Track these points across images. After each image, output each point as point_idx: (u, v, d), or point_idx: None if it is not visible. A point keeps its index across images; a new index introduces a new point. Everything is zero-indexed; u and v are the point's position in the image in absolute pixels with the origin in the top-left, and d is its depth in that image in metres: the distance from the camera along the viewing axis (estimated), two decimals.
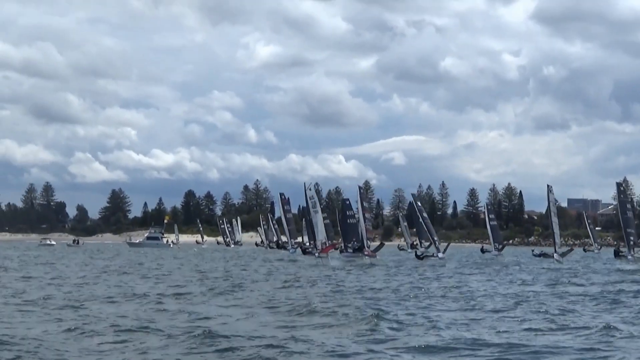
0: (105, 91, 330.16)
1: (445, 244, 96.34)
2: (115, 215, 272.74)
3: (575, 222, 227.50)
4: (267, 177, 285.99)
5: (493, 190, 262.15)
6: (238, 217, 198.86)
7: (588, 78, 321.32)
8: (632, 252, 77.41)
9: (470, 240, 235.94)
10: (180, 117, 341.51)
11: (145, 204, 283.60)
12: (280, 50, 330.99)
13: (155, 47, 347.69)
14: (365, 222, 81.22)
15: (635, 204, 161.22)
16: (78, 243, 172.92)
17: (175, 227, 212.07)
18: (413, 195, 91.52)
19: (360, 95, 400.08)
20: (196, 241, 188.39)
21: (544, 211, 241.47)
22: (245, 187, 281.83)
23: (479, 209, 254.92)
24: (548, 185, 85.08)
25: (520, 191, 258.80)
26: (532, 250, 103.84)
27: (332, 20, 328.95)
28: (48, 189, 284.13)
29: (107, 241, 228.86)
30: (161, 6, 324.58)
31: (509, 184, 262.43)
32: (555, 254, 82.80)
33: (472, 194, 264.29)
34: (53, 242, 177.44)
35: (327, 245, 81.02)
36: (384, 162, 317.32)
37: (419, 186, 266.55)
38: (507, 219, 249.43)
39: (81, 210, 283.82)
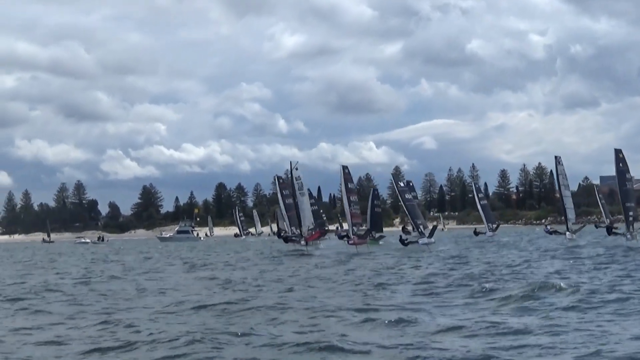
0: (134, 88, 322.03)
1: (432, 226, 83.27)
2: (148, 211, 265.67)
3: (607, 198, 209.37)
4: (299, 167, 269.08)
5: (524, 170, 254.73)
6: (254, 210, 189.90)
7: (616, 55, 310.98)
8: (631, 230, 64.24)
9: (503, 221, 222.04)
10: (210, 110, 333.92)
11: (177, 198, 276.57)
12: (306, 39, 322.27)
13: (182, 41, 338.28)
14: (350, 206, 69.04)
15: None
16: (103, 240, 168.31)
17: (210, 219, 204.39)
18: (393, 175, 77.56)
19: (388, 81, 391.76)
20: (235, 234, 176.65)
21: (576, 189, 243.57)
22: (277, 178, 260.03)
23: (511, 190, 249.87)
24: (556, 157, 73.88)
25: (551, 170, 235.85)
26: (545, 226, 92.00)
27: (357, 7, 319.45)
28: (79, 187, 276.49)
29: (140, 237, 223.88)
30: (185, 0, 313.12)
31: (539, 163, 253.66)
32: (567, 232, 73.19)
33: (503, 175, 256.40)
34: (88, 240, 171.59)
35: (314, 232, 68.89)
36: (414, 147, 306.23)
37: (449, 169, 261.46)
38: (539, 198, 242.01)
39: (113, 207, 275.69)
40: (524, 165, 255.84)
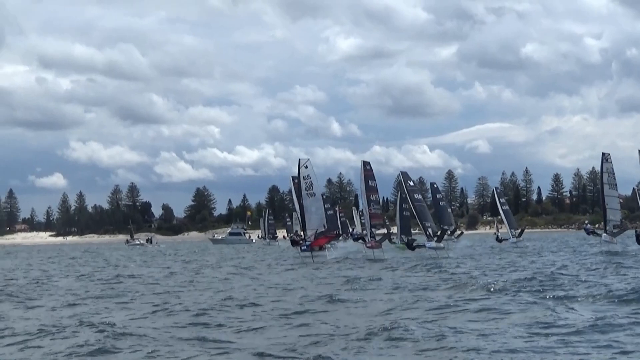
0: (189, 90, 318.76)
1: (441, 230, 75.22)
2: (201, 214, 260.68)
3: None
4: (352, 170, 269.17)
5: (577, 174, 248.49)
6: (293, 212, 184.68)
7: None
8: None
9: (556, 225, 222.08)
10: (264, 113, 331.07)
11: (230, 201, 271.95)
12: (360, 42, 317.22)
13: (236, 44, 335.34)
14: (370, 205, 61.28)
15: None
16: (151, 242, 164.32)
17: (262, 222, 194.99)
18: (402, 173, 68.78)
19: (442, 85, 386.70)
20: (283, 236, 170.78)
21: (629, 194, 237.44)
22: (329, 181, 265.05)
23: (564, 194, 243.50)
24: (603, 154, 65.04)
25: None
26: (585, 224, 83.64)
27: (412, 11, 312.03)
28: (133, 189, 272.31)
29: (193, 239, 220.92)
30: (240, 3, 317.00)
31: (593, 167, 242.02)
32: (604, 234, 63.54)
33: (557, 179, 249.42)
34: (140, 242, 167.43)
35: (322, 236, 60.76)
36: (468, 151, 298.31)
37: (502, 173, 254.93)
38: (593, 203, 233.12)
39: (167, 209, 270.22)
40: (578, 170, 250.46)
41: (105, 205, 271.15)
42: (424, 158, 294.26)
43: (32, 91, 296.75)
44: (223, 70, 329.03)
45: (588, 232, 78.72)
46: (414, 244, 66.30)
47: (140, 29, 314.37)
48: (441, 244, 62.90)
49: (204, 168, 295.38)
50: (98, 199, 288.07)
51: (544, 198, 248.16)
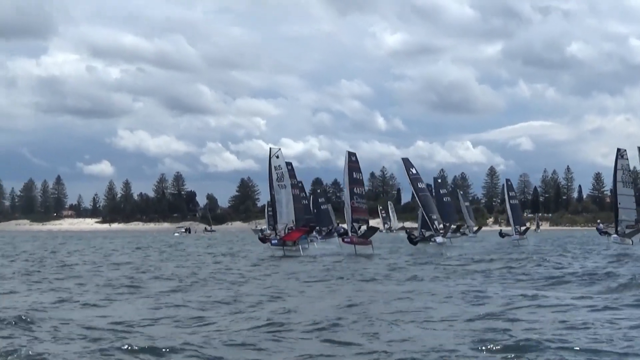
0: (236, 82, 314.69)
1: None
2: (245, 204, 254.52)
3: None
4: (395, 164, 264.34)
5: None
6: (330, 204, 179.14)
7: None
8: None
9: (595, 223, 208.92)
10: (309, 106, 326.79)
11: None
12: (407, 38, 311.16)
13: (283, 36, 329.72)
14: (353, 198, 55.34)
15: None
16: (189, 232, 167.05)
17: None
18: (404, 160, 63.23)
19: (487, 82, 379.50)
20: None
21: None
22: (372, 174, 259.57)
23: (605, 193, 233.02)
24: (618, 150, 59.26)
25: None
26: (598, 224, 76.86)
27: (459, 7, 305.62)
28: (179, 178, 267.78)
29: (236, 229, 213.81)
30: None
31: (634, 167, 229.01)
32: (614, 234, 58.62)
33: (598, 178, 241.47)
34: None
35: (294, 230, 54.74)
36: (511, 148, 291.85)
37: (544, 171, 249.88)
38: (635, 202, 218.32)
39: (211, 199, 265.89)
40: None
41: (151, 194, 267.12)
42: (467, 154, 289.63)
43: (82, 80, 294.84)
44: (270, 62, 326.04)
45: (600, 232, 73.83)
46: (416, 239, 61.09)
47: (188, 19, 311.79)
48: (447, 239, 58.00)
49: (249, 159, 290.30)
50: (144, 188, 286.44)
51: (584, 196, 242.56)
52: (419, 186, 58.40)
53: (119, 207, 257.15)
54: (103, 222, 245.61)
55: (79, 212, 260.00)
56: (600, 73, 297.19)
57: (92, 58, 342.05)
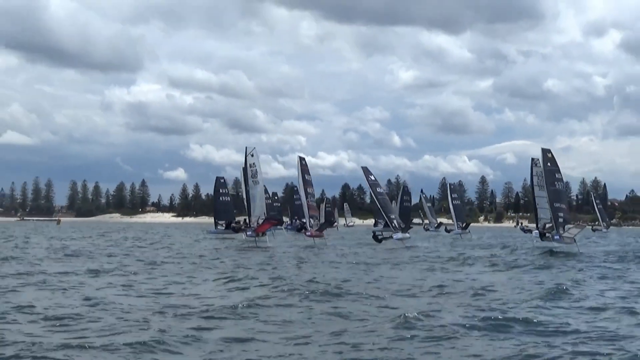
0: (284, 107, 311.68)
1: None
2: (289, 202, 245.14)
3: None
4: (408, 174, 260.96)
5: (583, 183, 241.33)
6: (345, 203, 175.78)
7: None
8: (561, 232, 43.96)
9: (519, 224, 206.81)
10: (341, 127, 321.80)
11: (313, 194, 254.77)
12: (418, 74, 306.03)
13: (321, 73, 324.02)
14: (307, 198, 48.73)
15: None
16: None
17: (336, 212, 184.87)
18: (363, 168, 55.16)
19: (480, 110, 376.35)
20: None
21: (623, 198, 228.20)
22: (388, 181, 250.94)
23: (572, 198, 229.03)
24: (533, 159, 53.25)
25: (605, 183, 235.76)
26: (520, 224, 68.94)
27: (458, 51, 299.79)
28: (237, 183, 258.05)
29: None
30: (325, 41, 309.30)
31: (595, 177, 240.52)
32: (534, 231, 50.73)
33: (567, 186, 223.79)
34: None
35: (264, 222, 47.98)
36: (498, 161, 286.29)
37: (524, 180, 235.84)
38: (595, 205, 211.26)
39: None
40: (583, 179, 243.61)
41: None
42: (464, 166, 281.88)
43: (163, 105, 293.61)
44: (310, 92, 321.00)
45: (524, 231, 64.54)
46: (380, 236, 54.20)
47: (247, 59, 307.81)
48: (408, 234, 51.34)
49: (293, 168, 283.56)
50: (210, 189, 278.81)
51: (592, 200, 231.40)
52: (378, 190, 52.46)
53: (190, 204, 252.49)
54: (177, 216, 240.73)
55: (159, 207, 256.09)
56: (570, 103, 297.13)
57: (170, 88, 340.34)
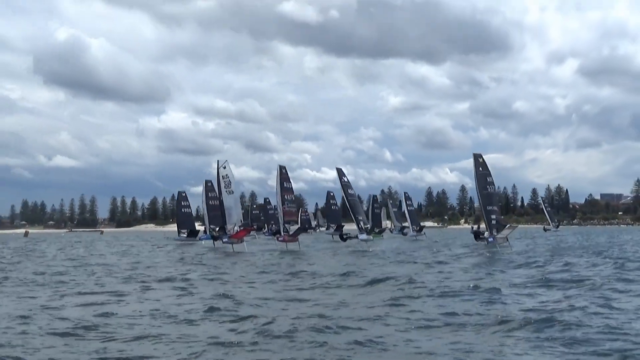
0: (291, 130, 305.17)
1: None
2: (298, 212, 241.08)
3: (603, 209, 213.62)
4: (398, 184, 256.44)
5: (548, 189, 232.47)
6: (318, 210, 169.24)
7: (613, 112, 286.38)
8: (494, 233, 40.59)
9: (533, 223, 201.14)
10: (340, 145, 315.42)
11: (317, 204, 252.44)
12: (404, 99, 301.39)
13: (322, 99, 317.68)
14: (284, 204, 44.56)
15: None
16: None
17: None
18: (337, 169, 50.64)
19: (459, 128, 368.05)
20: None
21: (583, 202, 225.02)
22: (382, 191, 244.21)
23: (539, 202, 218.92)
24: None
25: (567, 189, 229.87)
26: (472, 227, 62.57)
27: (439, 79, 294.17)
28: (253, 195, 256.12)
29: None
30: (325, 73, 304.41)
31: (558, 184, 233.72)
32: (487, 232, 44.43)
33: (534, 192, 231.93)
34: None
35: (240, 229, 43.91)
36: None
37: (497, 187, 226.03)
38: (558, 207, 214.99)
39: (275, 210, 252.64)
40: (548, 185, 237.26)
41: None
42: (446, 177, 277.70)
43: (189, 130, 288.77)
44: (314, 116, 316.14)
45: (477, 236, 58.59)
46: (345, 236, 50.14)
47: (259, 89, 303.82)
48: (371, 237, 46.61)
49: (300, 182, 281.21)
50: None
51: (525, 204, 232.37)
52: (349, 192, 47.94)
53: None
54: (202, 224, 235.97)
55: None
56: (535, 121, 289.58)
57: (195, 115, 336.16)
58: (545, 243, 53.04)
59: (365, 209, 77.19)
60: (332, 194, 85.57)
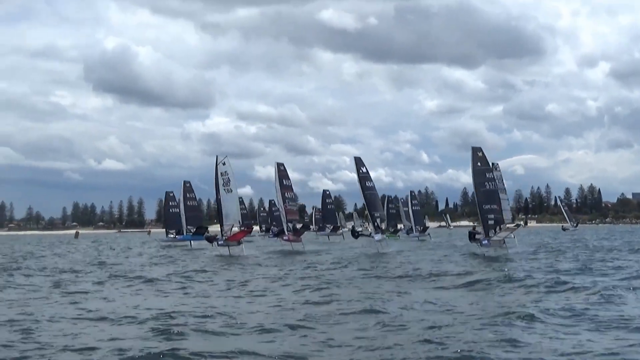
0: (330, 133, 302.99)
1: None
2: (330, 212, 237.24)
3: (635, 208, 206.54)
4: (434, 185, 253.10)
5: (581, 188, 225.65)
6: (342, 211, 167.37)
7: None
8: (491, 235, 34.44)
9: (565, 222, 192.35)
10: (378, 148, 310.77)
11: (355, 204, 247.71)
12: (440, 103, 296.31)
13: (361, 104, 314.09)
14: (285, 202, 40.55)
15: None
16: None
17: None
18: (355, 158, 43.48)
19: (493, 130, 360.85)
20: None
21: (615, 201, 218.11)
22: (419, 192, 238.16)
23: (572, 201, 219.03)
24: (493, 164, 43.66)
25: (599, 189, 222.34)
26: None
27: (474, 82, 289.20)
28: (326, 195, 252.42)
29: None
30: (364, 78, 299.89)
31: (591, 184, 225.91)
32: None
33: (567, 192, 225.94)
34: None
35: (239, 230, 39.82)
36: (510, 172, 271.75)
37: (532, 187, 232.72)
38: (591, 207, 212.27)
39: (315, 210, 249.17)
40: (581, 185, 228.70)
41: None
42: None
43: (232, 134, 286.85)
44: (353, 120, 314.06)
45: (472, 237, 52.88)
46: (358, 233, 45.82)
47: (300, 94, 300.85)
48: (385, 236, 41.81)
49: (340, 183, 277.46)
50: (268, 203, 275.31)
51: (559, 203, 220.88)
52: (367, 184, 41.11)
53: (256, 215, 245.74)
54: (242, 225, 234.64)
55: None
56: (567, 123, 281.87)
57: (238, 120, 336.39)
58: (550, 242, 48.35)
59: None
60: (327, 192, 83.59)
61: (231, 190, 40.41)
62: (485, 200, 34.88)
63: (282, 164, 43.31)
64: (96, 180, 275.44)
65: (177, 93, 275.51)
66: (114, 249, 50.61)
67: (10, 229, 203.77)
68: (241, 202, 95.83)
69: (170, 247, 51.80)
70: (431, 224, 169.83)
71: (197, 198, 67.53)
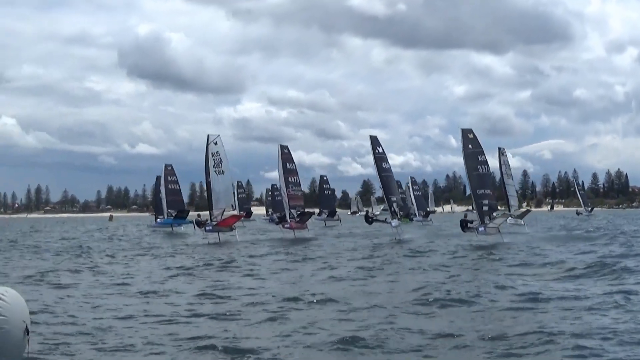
0: (360, 118, 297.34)
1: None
2: (366, 196, 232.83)
3: None
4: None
5: (608, 173, 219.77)
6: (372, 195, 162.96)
7: None
8: (486, 222, 30.07)
9: (596, 206, 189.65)
10: (407, 133, 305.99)
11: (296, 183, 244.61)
12: (469, 88, 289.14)
13: (390, 89, 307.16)
14: (289, 187, 35.83)
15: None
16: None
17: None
18: (371, 137, 37.25)
19: (521, 116, 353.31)
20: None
21: None
22: (447, 176, 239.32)
23: (599, 185, 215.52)
24: (499, 149, 43.07)
25: (626, 173, 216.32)
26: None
27: (503, 68, 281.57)
28: (324, 181, 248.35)
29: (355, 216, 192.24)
30: (393, 64, 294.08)
31: (618, 169, 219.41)
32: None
33: (594, 176, 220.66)
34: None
35: (230, 216, 35.38)
36: (537, 157, 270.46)
37: (559, 172, 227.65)
38: (618, 191, 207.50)
39: (345, 194, 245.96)
40: (608, 170, 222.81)
41: (307, 190, 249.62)
42: (509, 162, 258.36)
43: (263, 119, 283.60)
44: (382, 106, 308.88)
45: (464, 226, 46.57)
46: (372, 219, 41.12)
47: (329, 80, 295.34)
48: (400, 222, 36.87)
49: (369, 167, 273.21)
50: (303, 186, 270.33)
51: (586, 188, 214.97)
52: (383, 166, 35.74)
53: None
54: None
55: (260, 202, 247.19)
56: (595, 109, 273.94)
57: (269, 105, 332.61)
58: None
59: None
60: (325, 177, 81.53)
61: (223, 172, 35.86)
62: (478, 185, 30.15)
63: (287, 147, 38.71)
64: (130, 164, 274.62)
65: (209, 79, 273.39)
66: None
67: (46, 212, 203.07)
68: (240, 185, 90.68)
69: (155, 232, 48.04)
70: (457, 208, 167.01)
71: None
